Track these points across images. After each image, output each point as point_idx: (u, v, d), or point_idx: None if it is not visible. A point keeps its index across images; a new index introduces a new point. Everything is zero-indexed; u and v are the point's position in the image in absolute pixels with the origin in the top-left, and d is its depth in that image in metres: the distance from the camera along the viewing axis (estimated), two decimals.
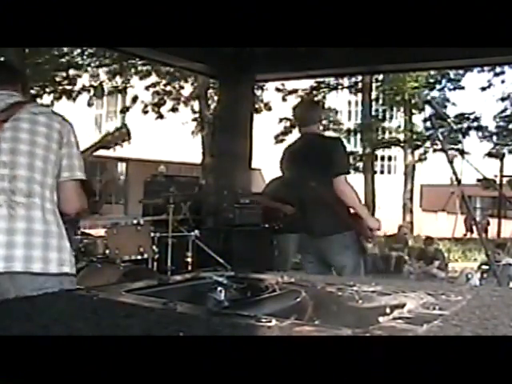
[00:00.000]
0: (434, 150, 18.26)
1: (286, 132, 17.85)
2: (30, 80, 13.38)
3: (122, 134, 2.53)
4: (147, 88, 16.53)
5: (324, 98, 18.54)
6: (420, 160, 19.59)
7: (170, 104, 16.83)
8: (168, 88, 16.75)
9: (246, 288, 1.56)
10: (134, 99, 16.72)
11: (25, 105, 2.10)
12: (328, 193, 3.48)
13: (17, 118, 2.03)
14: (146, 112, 16.68)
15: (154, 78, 16.40)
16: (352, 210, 3.56)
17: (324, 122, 4.05)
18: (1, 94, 2.11)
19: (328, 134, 17.26)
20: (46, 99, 15.13)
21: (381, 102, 21.55)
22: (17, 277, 1.91)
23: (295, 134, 4.42)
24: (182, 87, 16.79)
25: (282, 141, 17.28)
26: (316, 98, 17.70)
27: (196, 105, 16.88)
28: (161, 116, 16.67)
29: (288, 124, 18.03)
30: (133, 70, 16.01)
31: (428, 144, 18.67)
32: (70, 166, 2.10)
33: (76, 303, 1.30)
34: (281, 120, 18.20)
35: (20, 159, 1.99)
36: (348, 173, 3.62)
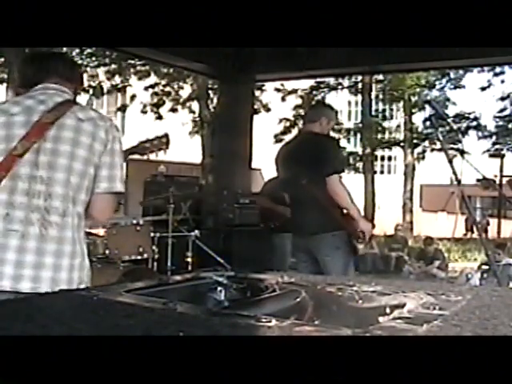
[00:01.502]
0: (432, 150, 18.28)
1: (286, 132, 17.86)
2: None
3: (161, 143, 2.42)
4: (146, 89, 16.54)
5: (324, 98, 18.55)
6: (418, 159, 19.60)
7: (169, 104, 16.83)
8: (167, 89, 16.75)
9: (245, 288, 1.56)
10: (133, 97, 16.72)
11: (72, 107, 1.97)
12: (319, 192, 3.47)
13: (61, 125, 1.90)
14: (144, 112, 16.68)
15: (153, 79, 16.41)
16: (344, 210, 3.55)
17: (331, 123, 3.88)
18: (52, 89, 1.99)
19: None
20: None
21: (381, 102, 21.58)
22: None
23: (295, 133, 4.40)
24: (181, 87, 16.80)
25: (281, 140, 17.28)
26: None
27: (196, 105, 16.89)
28: (160, 117, 16.67)
29: (288, 124, 18.04)
30: (132, 70, 16.02)
31: (427, 143, 18.69)
32: (110, 176, 1.97)
33: (76, 303, 1.30)
34: (280, 120, 18.21)
35: (57, 175, 1.89)
36: (341, 172, 3.59)
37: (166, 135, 2.47)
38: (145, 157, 2.42)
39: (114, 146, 1.98)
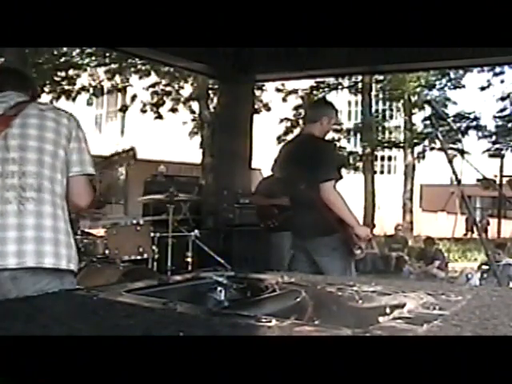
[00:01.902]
0: (431, 149, 18.28)
1: (287, 132, 17.86)
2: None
3: (128, 157, 2.57)
4: (147, 88, 16.53)
5: (324, 97, 18.55)
6: (418, 158, 19.59)
7: (169, 104, 16.83)
8: (167, 88, 16.74)
9: (245, 288, 1.56)
10: (133, 98, 16.72)
11: (32, 102, 2.12)
12: (316, 195, 3.45)
13: (25, 114, 2.03)
14: (144, 111, 16.68)
15: (153, 78, 16.41)
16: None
17: (332, 121, 3.80)
18: (10, 94, 2.13)
19: (328, 134, 17.26)
20: (46, 99, 15.14)
21: (381, 102, 21.58)
22: (31, 271, 1.91)
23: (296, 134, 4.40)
24: (181, 87, 16.79)
25: (283, 141, 17.29)
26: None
27: (196, 105, 16.89)
28: (160, 116, 16.66)
29: (289, 124, 18.04)
30: (132, 69, 16.01)
31: (426, 142, 18.69)
32: (80, 160, 2.10)
33: (76, 303, 1.30)
34: (281, 120, 18.21)
35: (29, 155, 1.99)
36: (336, 179, 3.53)
37: (133, 149, 2.62)
38: (113, 171, 2.57)
39: (78, 132, 2.11)
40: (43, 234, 1.95)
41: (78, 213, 3.80)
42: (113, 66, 15.83)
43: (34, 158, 2.00)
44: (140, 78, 16.07)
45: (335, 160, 3.75)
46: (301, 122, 16.82)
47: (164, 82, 16.52)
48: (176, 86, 16.65)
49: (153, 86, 16.56)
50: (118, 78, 16.37)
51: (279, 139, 17.83)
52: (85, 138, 2.14)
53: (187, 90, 16.91)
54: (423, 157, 19.61)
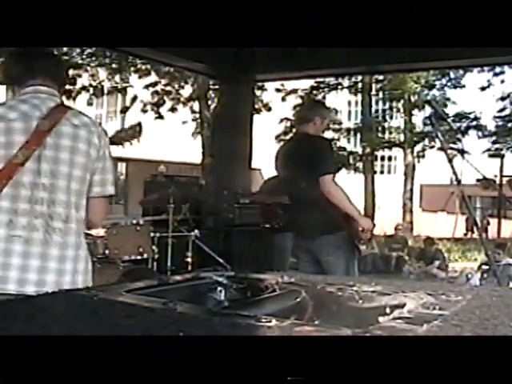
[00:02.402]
0: (431, 147, 18.27)
1: (287, 132, 17.85)
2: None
3: (135, 132, 2.50)
4: (147, 87, 16.53)
5: (324, 97, 18.54)
6: (418, 157, 19.59)
7: (169, 104, 16.82)
8: (167, 88, 16.74)
9: (245, 288, 1.56)
10: (134, 99, 16.72)
11: (66, 112, 2.00)
12: (317, 193, 3.46)
13: (59, 133, 1.95)
14: (145, 111, 16.67)
15: (153, 78, 16.41)
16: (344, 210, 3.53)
17: (325, 121, 3.87)
18: (43, 93, 2.01)
19: (328, 134, 17.27)
20: None
21: (381, 102, 21.56)
22: None
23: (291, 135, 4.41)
24: (181, 87, 16.79)
25: (282, 141, 17.28)
26: (317, 97, 17.68)
27: (196, 105, 16.88)
28: (160, 116, 16.66)
29: (288, 124, 18.03)
30: (132, 69, 16.01)
31: (426, 142, 18.69)
32: (102, 180, 2.05)
33: (76, 303, 1.30)
34: (281, 120, 18.20)
35: (60, 182, 1.94)
36: (334, 172, 3.56)
37: (139, 124, 2.54)
38: (120, 146, 2.51)
39: (105, 151, 2.05)
40: (65, 266, 1.94)
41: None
42: (113, 65, 15.84)
43: (64, 186, 1.95)
44: (140, 77, 16.07)
45: (331, 154, 3.78)
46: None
47: (164, 81, 16.52)
48: (176, 86, 16.65)
49: (153, 85, 16.55)
50: (118, 78, 16.38)
51: (278, 138, 17.83)
52: (110, 156, 2.08)
53: (187, 89, 16.91)
54: (423, 155, 19.62)
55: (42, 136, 1.91)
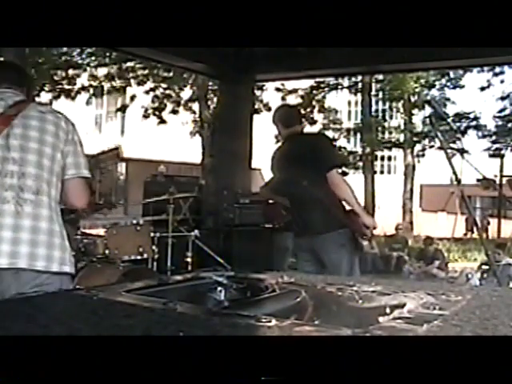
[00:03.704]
0: (431, 147, 18.28)
1: None
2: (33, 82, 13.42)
3: (114, 155, 2.62)
4: (147, 92, 16.51)
5: (324, 97, 18.54)
6: (418, 156, 19.60)
7: (170, 106, 16.80)
8: (167, 92, 16.72)
9: (245, 288, 1.56)
10: (133, 97, 16.71)
11: (31, 103, 2.14)
12: (321, 191, 3.47)
13: (26, 115, 2.05)
14: (146, 117, 16.65)
15: (152, 83, 16.39)
16: (347, 207, 3.54)
17: (302, 124, 4.13)
18: (7, 92, 2.13)
19: (328, 134, 17.27)
20: (46, 99, 15.13)
21: (381, 102, 21.57)
22: (21, 273, 1.92)
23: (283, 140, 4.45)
24: (181, 89, 16.78)
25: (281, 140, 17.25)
26: (316, 98, 17.70)
27: (196, 106, 16.88)
28: (163, 121, 16.64)
29: None
30: (131, 75, 16.00)
31: (426, 142, 18.70)
32: (75, 163, 2.12)
33: (76, 303, 1.30)
34: None
35: (29, 157, 2.00)
36: (340, 166, 3.60)
37: (118, 148, 2.67)
38: (99, 169, 2.62)
39: (73, 136, 2.14)
40: (38, 237, 1.97)
41: (78, 214, 3.85)
42: (112, 68, 15.83)
43: (34, 160, 2.01)
44: (139, 84, 16.05)
45: (334, 148, 3.87)
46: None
47: (164, 85, 16.50)
48: (176, 88, 16.63)
49: (153, 89, 16.52)
50: (117, 79, 16.37)
51: (277, 138, 17.81)
52: (80, 141, 2.17)
53: (187, 91, 16.90)
54: (423, 155, 19.62)
55: (8, 119, 2.02)
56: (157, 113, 16.49)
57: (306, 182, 3.53)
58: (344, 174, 3.85)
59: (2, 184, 1.96)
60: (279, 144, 4.25)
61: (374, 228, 3.60)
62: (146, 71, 15.48)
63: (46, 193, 2.02)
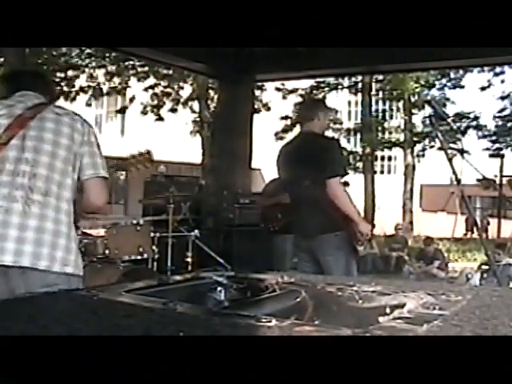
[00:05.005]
0: (431, 147, 18.28)
1: (287, 130, 17.84)
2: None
3: (145, 159, 2.67)
4: (146, 89, 16.51)
5: (324, 97, 18.53)
6: (418, 156, 19.60)
7: (169, 105, 16.80)
8: (167, 89, 16.72)
9: (245, 288, 1.56)
10: (132, 99, 16.71)
11: (49, 105, 2.17)
12: (321, 193, 3.46)
13: (42, 118, 2.09)
14: (145, 113, 16.66)
15: (152, 80, 16.38)
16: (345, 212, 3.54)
17: (327, 117, 3.91)
18: (28, 95, 2.18)
19: (328, 134, 17.24)
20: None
21: (381, 102, 21.57)
22: (28, 272, 1.94)
23: (296, 132, 4.41)
24: (181, 88, 16.78)
25: (282, 139, 17.27)
26: (318, 97, 17.68)
27: (196, 105, 16.87)
28: (161, 118, 16.65)
29: (288, 122, 18.03)
30: (131, 72, 16.00)
31: (426, 142, 18.70)
32: (93, 163, 2.15)
33: (76, 303, 1.30)
34: (282, 118, 18.19)
35: (42, 158, 2.04)
36: (342, 175, 3.57)
37: (149, 152, 2.74)
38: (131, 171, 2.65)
39: (90, 137, 2.16)
40: (43, 237, 1.99)
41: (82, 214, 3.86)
42: (112, 68, 15.83)
43: (46, 162, 2.05)
44: (139, 80, 16.05)
45: (342, 157, 3.81)
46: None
47: (163, 83, 16.50)
48: (176, 87, 16.63)
49: (152, 87, 16.53)
50: (116, 79, 16.36)
51: (277, 136, 17.82)
52: (97, 143, 2.20)
53: (187, 90, 16.90)
54: (423, 155, 19.63)
55: (25, 120, 2.06)
56: (155, 110, 16.50)
57: (308, 183, 3.53)
58: (345, 184, 3.82)
59: (13, 183, 1.99)
60: (288, 139, 4.21)
61: (369, 235, 3.62)
62: (146, 68, 15.47)
63: (54, 194, 2.05)
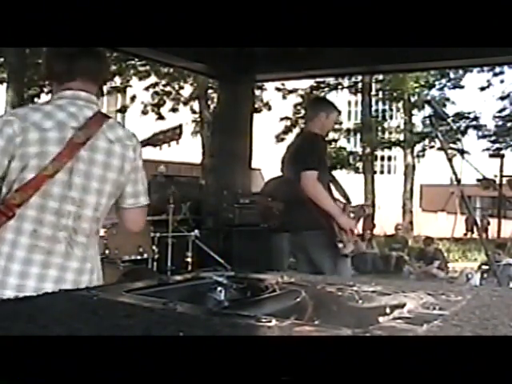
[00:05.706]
0: (431, 147, 18.29)
1: (287, 131, 17.86)
2: (30, 80, 13.40)
3: (175, 134, 2.43)
4: (147, 88, 16.53)
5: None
6: (418, 156, 19.61)
7: (169, 104, 16.83)
8: (167, 88, 16.74)
9: (245, 288, 1.56)
10: (133, 98, 16.72)
11: (102, 123, 1.96)
12: (301, 189, 3.49)
13: (93, 147, 1.91)
14: (145, 113, 16.68)
15: (153, 79, 16.40)
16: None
17: (331, 116, 3.80)
18: (79, 99, 1.96)
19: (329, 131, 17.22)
20: (46, 99, 15.10)
21: (381, 102, 21.58)
22: None
23: (295, 133, 4.42)
24: (181, 87, 16.79)
25: (282, 140, 17.29)
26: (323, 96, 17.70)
27: (196, 105, 16.89)
28: (161, 117, 16.66)
29: (289, 123, 18.04)
30: (132, 71, 16.00)
31: (426, 142, 18.72)
32: (135, 192, 2.05)
33: (76, 303, 1.30)
34: (281, 119, 18.21)
35: (89, 198, 1.92)
36: (312, 169, 3.50)
37: (180, 126, 2.47)
38: (157, 148, 2.45)
39: (137, 162, 2.04)
40: (82, 278, 1.94)
41: None
42: (113, 67, 15.82)
43: (94, 202, 1.93)
44: (140, 79, 16.06)
45: (317, 151, 3.70)
46: (300, 120, 16.84)
47: (164, 82, 16.52)
48: (176, 86, 16.65)
49: (153, 86, 16.55)
50: (117, 79, 16.37)
51: (278, 137, 17.84)
52: (142, 166, 2.07)
53: (187, 89, 16.92)
54: (423, 155, 19.65)
55: (75, 148, 1.86)
56: (155, 109, 16.51)
57: (291, 181, 3.57)
58: (333, 179, 3.78)
59: (58, 224, 1.88)
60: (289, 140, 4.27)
61: (352, 230, 3.56)
62: (147, 67, 15.48)
63: (95, 233, 1.99)
